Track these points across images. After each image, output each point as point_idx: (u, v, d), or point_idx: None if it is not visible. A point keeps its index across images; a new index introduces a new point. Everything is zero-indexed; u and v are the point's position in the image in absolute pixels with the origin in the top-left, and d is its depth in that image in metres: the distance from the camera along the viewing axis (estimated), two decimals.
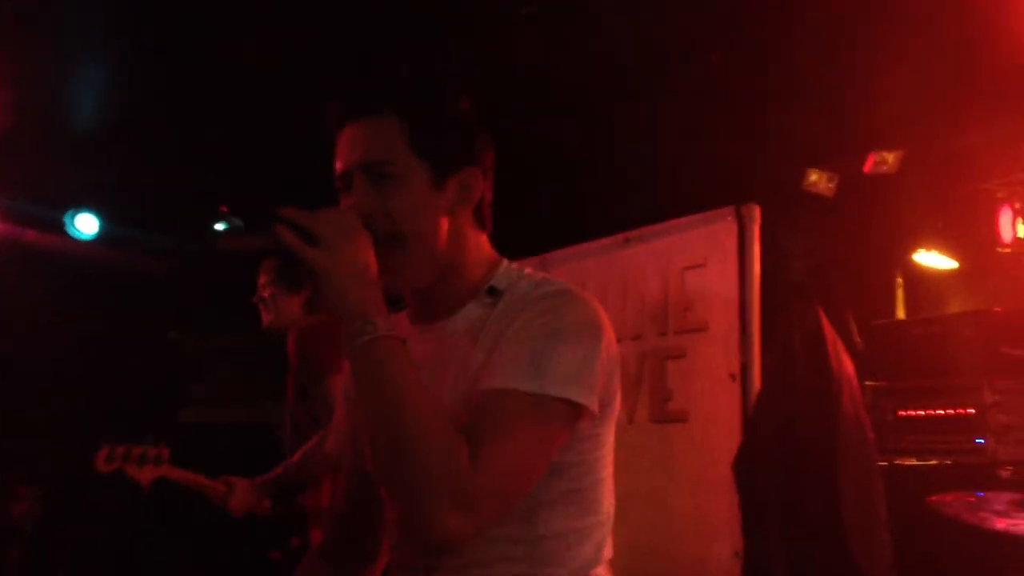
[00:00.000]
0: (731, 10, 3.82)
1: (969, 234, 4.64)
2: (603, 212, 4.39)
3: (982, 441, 3.78)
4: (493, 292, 1.69)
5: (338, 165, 1.69)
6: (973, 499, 3.01)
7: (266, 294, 3.93)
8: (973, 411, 3.83)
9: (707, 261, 3.72)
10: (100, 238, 5.69)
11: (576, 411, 1.58)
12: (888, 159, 4.67)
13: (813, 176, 4.81)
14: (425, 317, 1.74)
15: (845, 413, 3.16)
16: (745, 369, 3.52)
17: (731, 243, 3.62)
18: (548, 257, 4.26)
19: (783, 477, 3.22)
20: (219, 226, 5.81)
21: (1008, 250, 4.44)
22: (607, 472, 1.73)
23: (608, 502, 1.72)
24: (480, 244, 1.75)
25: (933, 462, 3.94)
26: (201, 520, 4.38)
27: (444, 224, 1.68)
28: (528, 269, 1.76)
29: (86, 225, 5.61)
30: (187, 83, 4.50)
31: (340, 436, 1.93)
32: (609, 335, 1.63)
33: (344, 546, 1.90)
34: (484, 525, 1.52)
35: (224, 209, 5.87)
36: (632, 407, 3.85)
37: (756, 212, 3.61)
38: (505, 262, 1.76)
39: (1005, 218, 4.44)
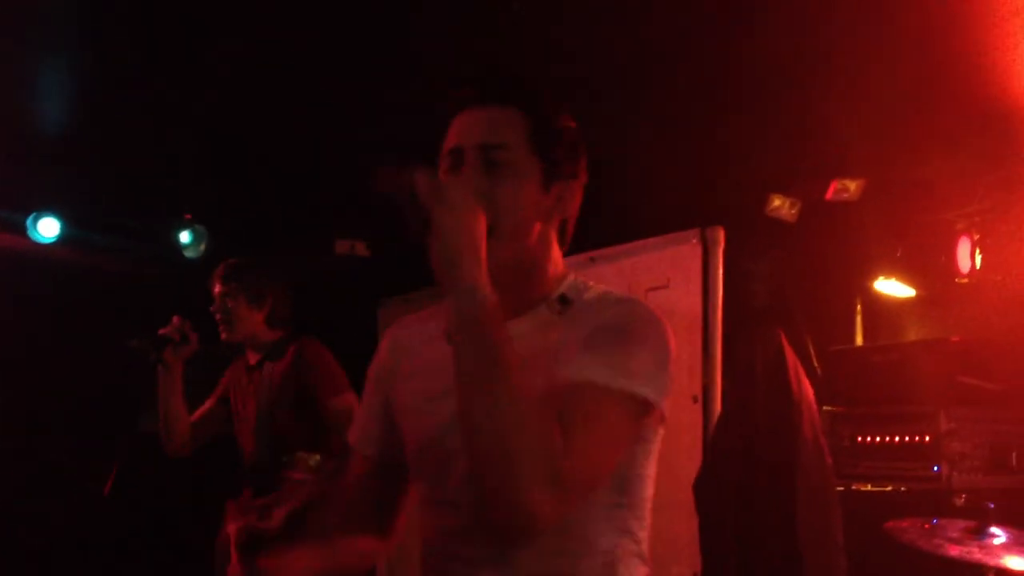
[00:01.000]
0: (698, 35, 3.85)
1: (928, 263, 4.69)
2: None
3: (937, 468, 3.82)
4: (565, 300, 1.72)
5: (449, 144, 1.71)
6: (928, 526, 3.04)
7: (230, 303, 3.86)
8: (929, 439, 3.88)
9: (671, 282, 3.75)
10: (62, 241, 5.63)
11: (645, 411, 1.63)
12: (850, 187, 4.71)
13: (776, 201, 4.84)
14: None
15: (805, 438, 3.19)
16: (707, 391, 3.55)
17: (695, 265, 3.66)
18: None
19: (742, 499, 3.24)
20: (184, 234, 5.78)
21: (966, 280, 4.49)
22: (652, 490, 1.76)
23: (648, 522, 1.75)
24: (558, 256, 1.78)
25: (889, 488, 3.98)
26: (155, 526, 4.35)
27: (537, 227, 1.71)
28: (592, 282, 1.80)
29: (48, 228, 5.55)
30: (153, 87, 4.46)
31: (367, 428, 1.93)
32: (671, 344, 1.68)
33: (343, 532, 1.91)
34: (566, 513, 1.52)
35: (188, 217, 5.83)
36: None
37: (720, 235, 3.64)
38: (574, 276, 1.80)
39: (963, 249, 4.48)
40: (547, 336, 1.68)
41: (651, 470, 1.74)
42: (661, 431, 1.73)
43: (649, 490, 1.74)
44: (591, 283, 1.79)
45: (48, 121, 4.93)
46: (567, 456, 1.47)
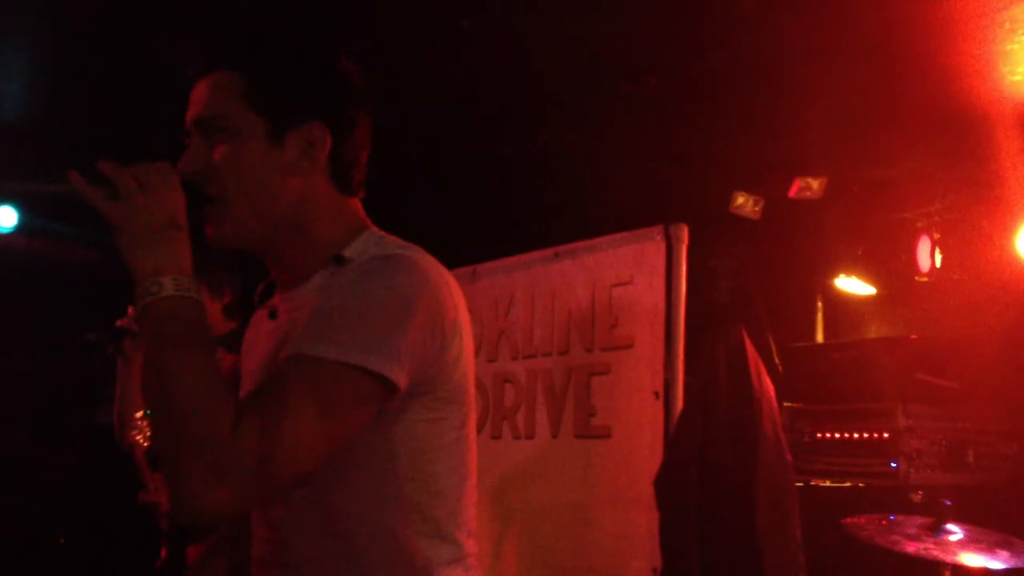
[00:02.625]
0: (665, 36, 3.86)
1: (888, 262, 4.74)
2: (535, 226, 4.40)
3: (895, 465, 3.86)
4: (340, 260, 1.59)
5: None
6: (885, 522, 3.07)
7: None
8: (887, 435, 3.92)
9: (635, 278, 3.74)
10: (19, 231, 5.55)
11: (380, 383, 1.45)
12: (812, 185, 4.76)
13: (740, 199, 4.88)
14: (283, 286, 1.67)
15: (765, 434, 3.20)
16: (668, 387, 3.56)
17: (659, 262, 3.65)
18: (479, 268, 4.26)
19: (702, 495, 3.25)
20: None
21: (925, 279, 4.55)
22: (460, 466, 1.61)
23: (455, 499, 1.61)
24: (341, 209, 1.65)
25: (847, 484, 4.02)
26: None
27: (286, 184, 1.59)
28: (393, 238, 1.65)
29: (5, 218, 5.48)
30: (110, 73, 4.40)
31: None
32: (432, 303, 1.52)
33: (228, 545, 1.90)
34: (251, 501, 1.45)
35: None
36: (557, 422, 3.86)
37: (684, 232, 3.64)
38: (370, 231, 1.66)
39: (923, 248, 4.54)
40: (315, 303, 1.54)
41: (446, 441, 1.58)
42: (457, 407, 1.58)
43: (448, 464, 1.58)
44: (391, 239, 1.64)
45: (4, 107, 4.86)
46: (237, 439, 1.35)
